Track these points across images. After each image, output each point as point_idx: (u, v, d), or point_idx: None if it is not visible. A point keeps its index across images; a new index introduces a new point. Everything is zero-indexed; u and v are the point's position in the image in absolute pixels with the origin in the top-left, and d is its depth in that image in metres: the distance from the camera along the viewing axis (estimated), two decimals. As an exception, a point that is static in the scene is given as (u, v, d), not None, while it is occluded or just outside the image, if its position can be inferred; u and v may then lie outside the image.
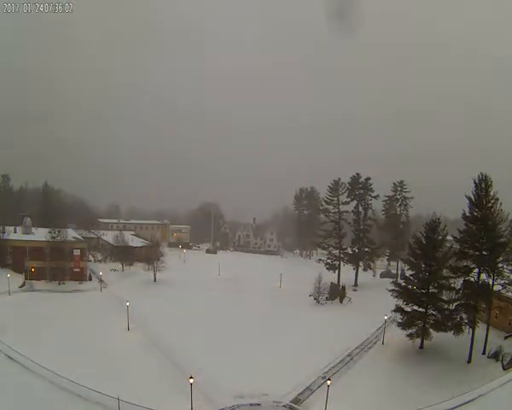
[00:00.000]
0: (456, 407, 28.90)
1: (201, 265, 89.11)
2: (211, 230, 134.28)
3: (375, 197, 77.07)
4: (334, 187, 75.12)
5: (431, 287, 40.59)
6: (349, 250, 76.97)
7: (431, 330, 40.07)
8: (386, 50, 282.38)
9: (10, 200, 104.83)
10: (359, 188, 75.43)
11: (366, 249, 76.65)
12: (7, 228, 67.29)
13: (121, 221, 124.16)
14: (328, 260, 73.93)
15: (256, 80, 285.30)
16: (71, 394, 28.38)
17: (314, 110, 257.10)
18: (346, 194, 75.13)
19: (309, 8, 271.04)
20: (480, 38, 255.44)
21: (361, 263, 75.80)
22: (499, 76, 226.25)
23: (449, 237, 44.70)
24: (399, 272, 75.17)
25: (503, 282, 37.95)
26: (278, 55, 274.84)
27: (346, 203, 75.39)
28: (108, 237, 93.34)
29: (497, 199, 38.62)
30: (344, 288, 65.92)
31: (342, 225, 75.35)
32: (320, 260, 75.36)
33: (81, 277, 66.35)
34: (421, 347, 41.23)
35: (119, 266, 78.17)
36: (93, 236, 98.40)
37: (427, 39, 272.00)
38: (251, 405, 29.83)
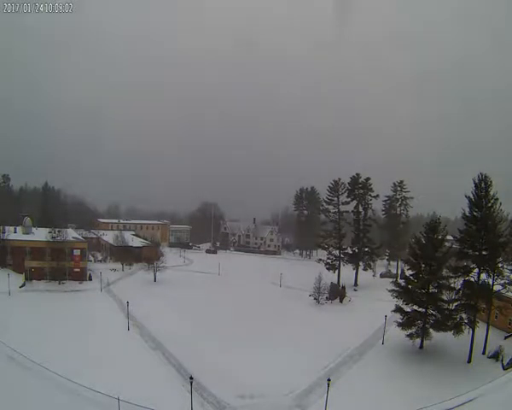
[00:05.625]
0: (456, 406, 28.87)
1: (201, 265, 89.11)
2: (211, 230, 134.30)
3: (374, 197, 77.13)
4: (334, 187, 75.25)
5: (431, 287, 40.59)
6: (349, 250, 77.00)
7: (431, 330, 40.09)
8: (388, 51, 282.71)
9: (10, 200, 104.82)
10: (359, 188, 75.44)
11: (366, 249, 76.63)
12: (7, 228, 67.22)
13: (121, 221, 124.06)
14: (328, 260, 73.98)
15: (255, 79, 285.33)
16: (71, 393, 28.33)
17: (313, 109, 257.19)
18: (345, 194, 75.22)
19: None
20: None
21: (361, 263, 75.80)
22: (500, 75, 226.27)
23: (449, 237, 44.74)
24: (399, 272, 75.23)
25: (503, 282, 37.94)
26: (280, 53, 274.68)
27: (346, 203, 75.47)
28: (108, 237, 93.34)
29: (497, 199, 38.68)
30: (344, 288, 65.97)
31: (342, 225, 75.42)
32: (320, 260, 75.44)
33: (81, 277, 66.33)
34: (421, 347, 41.24)
35: (119, 266, 78.19)
36: (93, 236, 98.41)
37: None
38: (251, 405, 29.79)
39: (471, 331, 38.17)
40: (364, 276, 76.76)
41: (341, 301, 62.77)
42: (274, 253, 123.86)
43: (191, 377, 27.87)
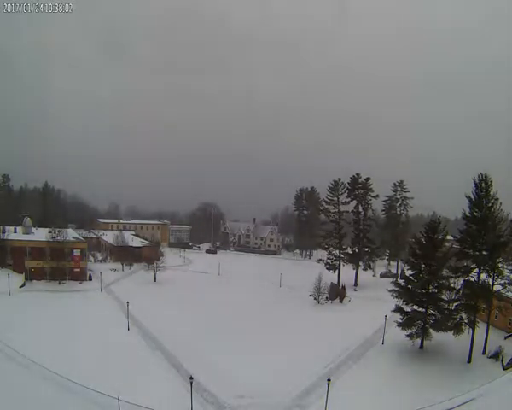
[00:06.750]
0: (456, 406, 28.85)
1: (201, 265, 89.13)
2: (211, 230, 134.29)
3: (374, 197, 77.08)
4: (334, 187, 75.16)
5: (431, 287, 40.56)
6: (349, 250, 77.01)
7: (431, 330, 40.03)
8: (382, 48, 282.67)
9: (10, 200, 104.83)
10: (359, 188, 75.42)
11: (366, 249, 76.64)
12: (7, 228, 67.26)
13: (121, 221, 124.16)
14: (328, 260, 73.97)
15: (255, 80, 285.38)
16: (71, 393, 28.33)
17: (314, 109, 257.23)
18: (345, 194, 75.18)
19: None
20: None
21: (361, 263, 75.79)
22: (500, 77, 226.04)
23: (449, 237, 44.71)
24: (399, 272, 75.19)
25: (503, 282, 37.91)
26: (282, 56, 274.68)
27: (346, 203, 75.38)
28: (108, 237, 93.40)
29: (497, 199, 38.59)
30: (344, 288, 65.96)
31: (342, 225, 75.34)
32: (320, 260, 75.43)
33: (81, 277, 66.37)
34: (421, 347, 41.22)
35: (119, 266, 78.25)
36: (93, 236, 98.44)
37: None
38: (251, 405, 29.77)
39: (471, 331, 38.14)
40: (364, 276, 76.75)
41: (341, 301, 62.77)
42: (274, 253, 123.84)
43: (191, 377, 27.84)
